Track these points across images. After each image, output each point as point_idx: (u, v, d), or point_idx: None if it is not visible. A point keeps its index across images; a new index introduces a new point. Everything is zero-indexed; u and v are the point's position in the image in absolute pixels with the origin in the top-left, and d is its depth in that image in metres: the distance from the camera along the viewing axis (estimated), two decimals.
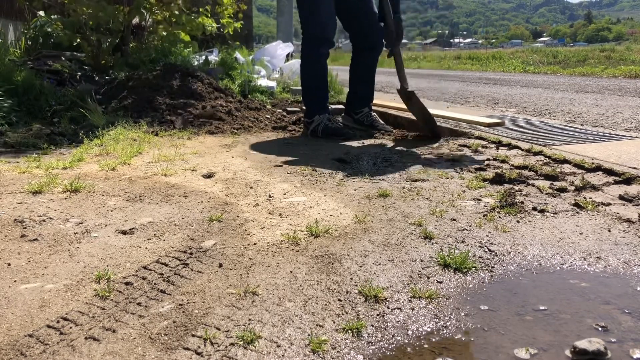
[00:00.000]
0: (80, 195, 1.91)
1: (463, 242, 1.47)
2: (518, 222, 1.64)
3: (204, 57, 5.36)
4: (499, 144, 2.83)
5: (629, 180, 2.01)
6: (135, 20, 5.29)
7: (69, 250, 1.40)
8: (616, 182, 2.02)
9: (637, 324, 1.04)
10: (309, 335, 1.00)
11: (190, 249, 1.42)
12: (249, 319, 1.05)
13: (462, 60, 16.51)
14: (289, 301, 1.13)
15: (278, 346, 0.97)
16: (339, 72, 6.49)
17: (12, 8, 5.74)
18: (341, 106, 4.87)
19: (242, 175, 2.22)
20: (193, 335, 1.00)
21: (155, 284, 1.21)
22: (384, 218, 1.67)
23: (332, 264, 1.32)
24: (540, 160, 2.41)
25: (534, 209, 1.75)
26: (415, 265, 1.32)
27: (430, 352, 0.96)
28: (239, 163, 2.47)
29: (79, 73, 4.49)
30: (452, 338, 1.00)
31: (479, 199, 1.87)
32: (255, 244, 1.46)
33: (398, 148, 2.87)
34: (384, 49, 3.37)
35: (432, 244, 1.46)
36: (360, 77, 3.57)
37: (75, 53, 4.97)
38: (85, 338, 0.99)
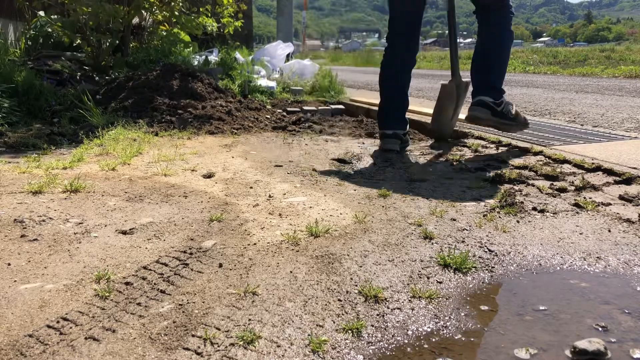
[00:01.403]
0: (80, 195, 1.91)
1: (463, 242, 1.47)
2: (518, 222, 1.64)
3: (204, 57, 5.36)
4: (499, 144, 2.83)
5: (629, 180, 2.01)
6: (135, 20, 5.29)
7: (69, 251, 1.40)
8: (616, 182, 2.02)
9: (637, 324, 1.04)
10: (309, 335, 1.00)
11: (190, 249, 1.42)
12: (249, 319, 1.05)
13: (462, 60, 16.47)
14: (289, 301, 1.13)
15: (278, 346, 0.97)
16: (339, 72, 6.49)
17: (12, 8, 5.74)
18: (341, 106, 4.88)
19: (242, 175, 2.22)
20: (193, 335, 1.00)
21: (155, 284, 1.21)
22: (384, 218, 1.67)
23: (332, 264, 1.32)
24: (540, 160, 2.41)
25: (534, 209, 1.75)
26: (415, 265, 1.32)
27: (430, 352, 0.96)
28: (239, 163, 2.47)
29: (79, 73, 4.49)
30: (452, 338, 1.00)
31: (479, 199, 1.87)
32: (255, 244, 1.46)
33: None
34: None
35: (432, 244, 1.46)
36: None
37: (75, 53, 4.97)
38: (85, 338, 0.99)
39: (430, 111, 4.02)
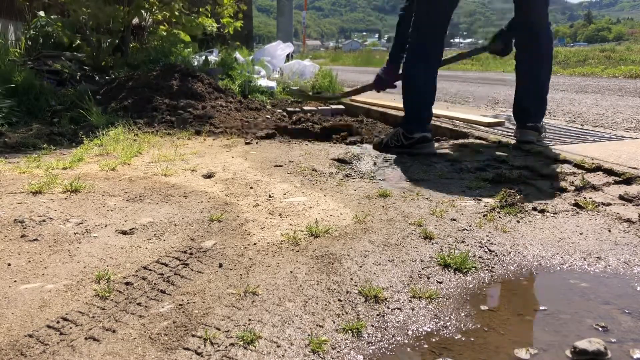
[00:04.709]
0: (80, 195, 1.91)
1: (463, 242, 1.47)
2: (518, 222, 1.64)
3: (204, 57, 5.36)
4: (498, 143, 2.83)
5: (629, 180, 2.01)
6: (135, 20, 5.29)
7: (69, 251, 1.40)
8: (616, 182, 2.02)
9: (637, 324, 1.04)
10: (309, 335, 1.00)
11: (190, 249, 1.42)
12: (249, 319, 1.05)
13: (462, 60, 16.50)
14: (289, 301, 1.13)
15: (278, 346, 0.97)
16: (339, 72, 6.49)
17: (12, 8, 5.74)
18: (341, 106, 4.88)
19: (242, 176, 2.22)
20: (193, 336, 1.00)
21: (155, 284, 1.21)
22: (384, 218, 1.67)
23: (332, 264, 1.32)
24: (540, 161, 2.41)
25: (534, 209, 1.75)
26: (416, 265, 1.32)
27: (430, 352, 0.96)
28: (239, 163, 2.46)
29: (79, 73, 4.49)
30: (452, 338, 1.00)
31: (479, 199, 1.87)
32: (255, 244, 1.46)
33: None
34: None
35: (432, 244, 1.46)
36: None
37: (75, 53, 4.97)
38: (85, 338, 0.99)
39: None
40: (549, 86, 2.76)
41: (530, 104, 2.75)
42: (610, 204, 1.78)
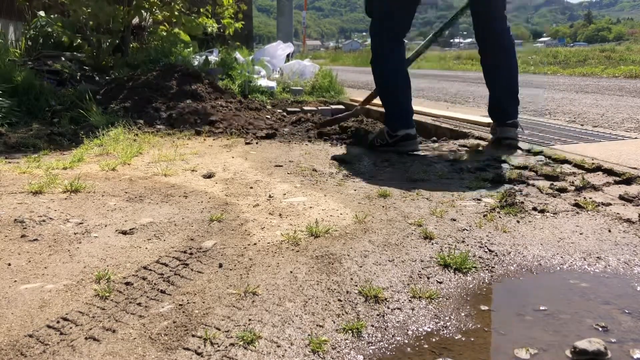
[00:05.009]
0: (81, 195, 1.91)
1: (463, 242, 1.47)
2: (518, 222, 1.64)
3: (204, 57, 5.36)
4: (499, 144, 2.82)
5: (629, 181, 2.01)
6: (135, 20, 5.29)
7: (69, 251, 1.40)
8: (616, 182, 2.02)
9: (637, 324, 1.04)
10: (309, 335, 1.00)
11: (190, 249, 1.42)
12: (249, 319, 1.06)
13: (462, 61, 16.48)
14: (289, 301, 1.13)
15: (278, 346, 0.97)
16: (339, 72, 6.48)
17: (12, 8, 5.74)
18: (341, 106, 4.88)
19: (242, 176, 2.22)
20: (193, 336, 1.00)
21: (155, 284, 1.21)
22: (384, 218, 1.67)
23: (332, 264, 1.32)
24: (540, 160, 2.41)
25: (534, 209, 1.75)
26: (416, 265, 1.32)
27: (430, 352, 0.96)
28: (239, 163, 2.47)
29: (79, 73, 4.49)
30: (452, 338, 1.00)
31: (479, 199, 1.87)
32: (255, 244, 1.46)
33: None
34: None
35: (432, 244, 1.46)
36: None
37: (75, 53, 4.97)
38: (85, 338, 0.99)
39: (430, 111, 4.02)
40: (518, 82, 2.83)
41: (508, 103, 2.82)
42: (610, 204, 1.78)
